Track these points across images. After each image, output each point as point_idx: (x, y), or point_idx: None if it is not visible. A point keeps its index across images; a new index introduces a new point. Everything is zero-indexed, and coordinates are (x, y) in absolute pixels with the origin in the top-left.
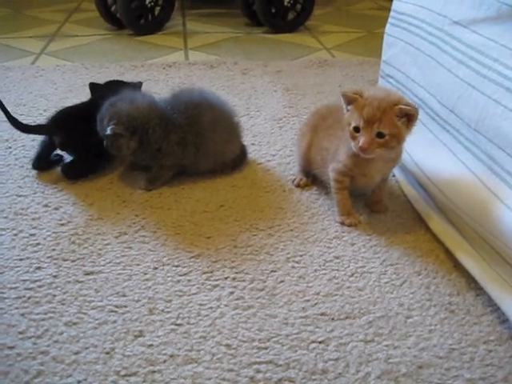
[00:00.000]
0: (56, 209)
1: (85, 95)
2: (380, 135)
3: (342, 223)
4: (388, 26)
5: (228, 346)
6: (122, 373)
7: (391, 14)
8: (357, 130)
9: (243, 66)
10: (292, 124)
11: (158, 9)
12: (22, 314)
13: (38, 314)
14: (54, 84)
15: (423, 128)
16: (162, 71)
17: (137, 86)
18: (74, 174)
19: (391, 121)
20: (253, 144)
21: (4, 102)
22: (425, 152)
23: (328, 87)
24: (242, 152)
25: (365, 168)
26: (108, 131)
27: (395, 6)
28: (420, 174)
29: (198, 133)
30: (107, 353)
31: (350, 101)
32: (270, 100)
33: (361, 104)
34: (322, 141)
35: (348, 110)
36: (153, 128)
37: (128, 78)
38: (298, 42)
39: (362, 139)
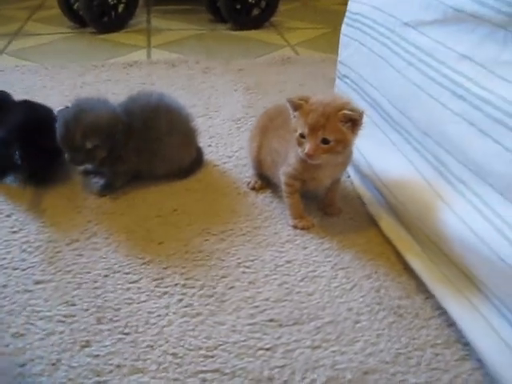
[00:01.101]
0: (8, 216)
1: (43, 97)
2: (325, 141)
3: (295, 227)
4: (343, 26)
5: (174, 354)
6: None
7: (347, 14)
8: (303, 136)
9: (205, 65)
10: (250, 124)
11: (121, 6)
12: None
13: None
14: (11, 86)
15: (376, 129)
16: (123, 71)
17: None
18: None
19: (336, 127)
20: (209, 145)
21: None
22: (377, 153)
23: (289, 85)
24: (199, 155)
25: (314, 172)
26: (87, 145)
27: (350, 6)
28: (372, 175)
29: (154, 138)
30: (53, 364)
31: (295, 107)
32: (229, 100)
33: (306, 110)
34: (271, 142)
35: (294, 117)
36: (118, 134)
37: (88, 78)
38: (263, 38)
39: (307, 146)
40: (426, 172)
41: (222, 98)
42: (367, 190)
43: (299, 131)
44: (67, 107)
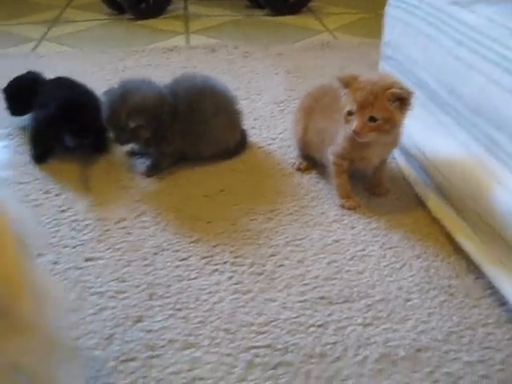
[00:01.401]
0: (57, 195)
1: (85, 81)
2: (372, 119)
3: (342, 206)
4: (387, 7)
5: (226, 330)
6: (122, 358)
7: None
8: (350, 113)
9: (244, 50)
10: (293, 107)
11: None
12: None
13: None
14: (54, 70)
15: (423, 110)
16: (163, 56)
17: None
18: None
19: (383, 105)
20: (253, 128)
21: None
22: (425, 133)
23: (329, 70)
24: (243, 137)
25: (363, 151)
26: (131, 125)
27: None
28: (420, 155)
29: (200, 120)
30: (107, 338)
31: (344, 85)
32: (270, 83)
33: (355, 88)
34: (319, 122)
35: (344, 94)
36: (162, 116)
37: (129, 63)
38: (301, 24)
39: (354, 123)
40: (476, 150)
41: (262, 81)
42: (413, 171)
43: (347, 108)
44: (112, 88)
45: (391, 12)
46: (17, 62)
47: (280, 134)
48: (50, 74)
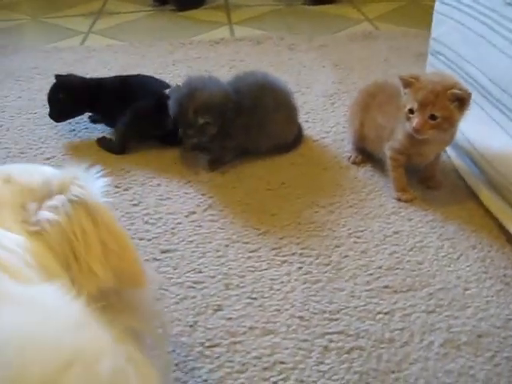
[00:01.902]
0: (126, 190)
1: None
2: (433, 117)
3: (399, 199)
4: (437, 3)
5: (301, 317)
6: (207, 344)
7: None
8: (411, 111)
9: (289, 41)
10: (343, 100)
11: None
12: None
13: None
14: (107, 64)
15: (475, 106)
16: (210, 48)
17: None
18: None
19: (444, 104)
20: (306, 121)
21: None
22: (477, 129)
23: (374, 61)
24: (299, 131)
25: (420, 148)
26: (199, 121)
27: None
28: (472, 150)
29: (261, 115)
30: (191, 326)
31: (406, 84)
32: (319, 76)
33: (416, 87)
34: (376, 118)
35: (405, 94)
36: (227, 112)
37: (178, 56)
38: (340, 13)
39: (415, 121)
40: None
41: (310, 74)
42: (465, 165)
43: (408, 106)
44: (179, 86)
45: (440, 8)
46: (68, 56)
47: (333, 127)
48: (103, 69)
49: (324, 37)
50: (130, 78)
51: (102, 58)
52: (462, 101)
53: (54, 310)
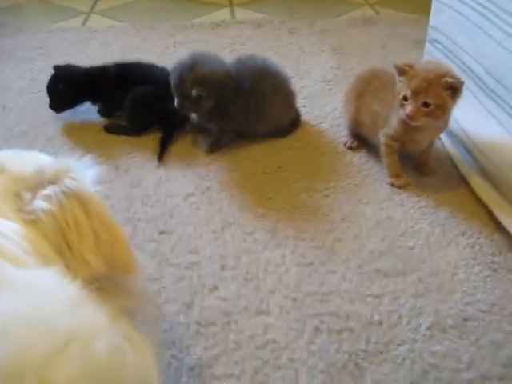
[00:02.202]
0: (125, 171)
1: (139, 57)
2: (426, 105)
3: (392, 185)
4: None
5: (294, 299)
6: (202, 323)
7: None
8: (405, 99)
9: (290, 25)
10: (341, 86)
11: None
12: None
13: None
14: (108, 46)
15: (470, 95)
16: (211, 32)
17: None
18: None
19: (437, 92)
20: (304, 106)
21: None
22: (471, 118)
23: (373, 47)
24: (297, 116)
25: (414, 134)
26: (193, 93)
27: None
28: (466, 139)
29: (259, 99)
30: (187, 305)
31: (401, 72)
32: (317, 61)
33: (410, 75)
34: (371, 105)
35: (400, 81)
36: (227, 91)
37: (179, 39)
38: None
39: (408, 107)
40: None
41: (310, 59)
42: (459, 153)
43: (402, 94)
44: (183, 60)
45: None
46: (70, 36)
47: (330, 112)
48: (104, 50)
49: (325, 21)
50: (129, 65)
51: (103, 39)
52: (454, 89)
53: (51, 293)
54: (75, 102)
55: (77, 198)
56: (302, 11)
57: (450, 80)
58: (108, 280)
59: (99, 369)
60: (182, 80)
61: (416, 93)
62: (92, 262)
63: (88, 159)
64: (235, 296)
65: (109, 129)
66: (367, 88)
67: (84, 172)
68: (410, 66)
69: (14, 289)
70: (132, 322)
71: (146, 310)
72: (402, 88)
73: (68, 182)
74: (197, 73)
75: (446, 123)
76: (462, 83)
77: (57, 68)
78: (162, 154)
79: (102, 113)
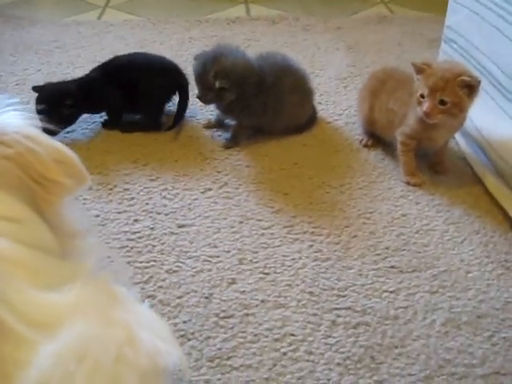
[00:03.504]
0: (144, 165)
1: (155, 51)
2: (442, 102)
3: (408, 183)
4: None
5: (311, 293)
6: (221, 315)
7: None
8: (422, 96)
9: (305, 22)
10: (356, 84)
11: None
12: (128, 262)
13: (141, 262)
14: (124, 40)
15: (485, 95)
16: (227, 27)
17: None
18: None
19: (453, 90)
20: (319, 103)
21: (80, 59)
22: (486, 118)
23: (388, 45)
24: (313, 113)
25: (431, 132)
26: (216, 84)
27: None
28: (480, 138)
29: (279, 96)
30: (206, 297)
31: (418, 71)
32: (333, 58)
33: (428, 74)
34: (387, 103)
35: (417, 80)
36: (250, 85)
37: (194, 34)
38: None
39: (425, 105)
40: None
41: (325, 56)
42: (473, 152)
43: (420, 92)
44: (206, 51)
45: None
46: (85, 30)
47: (345, 110)
48: (119, 44)
49: (339, 19)
50: (114, 63)
51: (119, 33)
52: (471, 87)
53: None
54: (76, 117)
55: (24, 134)
56: (316, 8)
57: (466, 79)
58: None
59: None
60: (205, 71)
61: (433, 90)
62: (64, 181)
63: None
64: (253, 289)
65: (126, 129)
66: (382, 87)
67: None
68: (428, 65)
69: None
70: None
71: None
72: (420, 86)
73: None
74: (220, 65)
75: (462, 122)
76: (478, 82)
77: (41, 88)
78: (174, 124)
79: (109, 122)
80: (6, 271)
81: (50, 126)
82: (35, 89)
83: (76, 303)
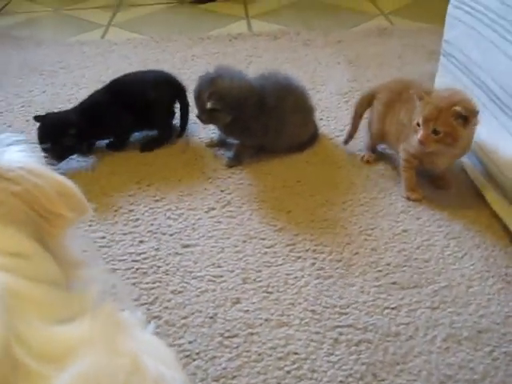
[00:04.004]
0: (148, 185)
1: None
2: (436, 132)
3: (408, 198)
4: (450, 7)
5: (313, 311)
6: (226, 335)
7: None
8: (418, 125)
9: (305, 37)
10: (357, 99)
11: None
12: (134, 284)
13: (147, 283)
14: (128, 59)
15: (484, 109)
16: (229, 43)
17: None
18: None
19: (446, 120)
20: (321, 119)
21: (84, 79)
22: (485, 131)
23: (388, 58)
24: (315, 131)
25: (431, 157)
26: (208, 105)
27: None
28: (481, 153)
29: (280, 116)
30: (211, 317)
31: (419, 98)
32: (334, 73)
33: (425, 102)
34: (400, 115)
35: (418, 106)
36: (249, 107)
37: (197, 51)
38: (355, 6)
39: (419, 133)
40: None
41: (326, 71)
42: (474, 166)
43: (416, 120)
44: (208, 72)
45: (453, 12)
46: (89, 50)
47: (347, 125)
48: (123, 63)
49: (340, 32)
50: (116, 84)
51: (122, 52)
52: (466, 118)
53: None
54: (80, 146)
55: (21, 168)
56: (316, 22)
57: (458, 109)
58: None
59: None
60: (201, 91)
61: (427, 120)
62: (66, 214)
63: (7, 136)
64: (257, 308)
65: (146, 148)
66: (397, 98)
67: (8, 148)
68: (428, 93)
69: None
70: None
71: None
72: (417, 114)
73: (6, 157)
74: (215, 86)
75: (464, 149)
76: (474, 112)
77: (44, 117)
78: (182, 130)
79: (114, 144)
80: (17, 307)
81: (53, 160)
82: (37, 119)
83: (85, 335)
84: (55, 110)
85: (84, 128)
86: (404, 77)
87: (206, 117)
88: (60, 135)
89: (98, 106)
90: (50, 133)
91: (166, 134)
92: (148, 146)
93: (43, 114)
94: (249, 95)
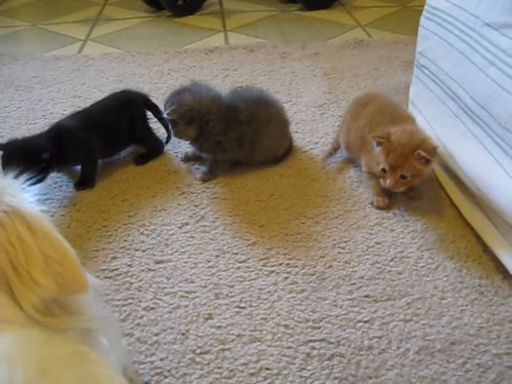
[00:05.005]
0: (123, 201)
1: (134, 84)
2: (403, 177)
3: (372, 203)
4: (422, 18)
5: (286, 326)
6: (198, 351)
7: (426, 7)
8: (384, 170)
9: (282, 50)
10: (332, 111)
11: None
12: (106, 301)
13: (119, 300)
14: (104, 74)
15: (456, 120)
16: (205, 57)
17: None
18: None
19: (412, 165)
20: (296, 132)
21: (60, 94)
22: (457, 143)
23: (364, 70)
24: (290, 143)
25: None
26: (165, 115)
27: (429, 0)
28: (453, 164)
29: (255, 130)
30: (183, 334)
31: (378, 143)
32: (310, 85)
33: (387, 148)
34: (361, 128)
35: (378, 151)
36: (213, 121)
37: (173, 65)
38: (333, 19)
39: (387, 181)
40: (505, 164)
41: (302, 83)
42: (447, 177)
43: (381, 166)
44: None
45: (425, 24)
46: (66, 65)
47: (322, 138)
48: (100, 77)
49: (317, 44)
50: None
51: (99, 66)
52: (428, 158)
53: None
54: (48, 173)
55: (19, 215)
56: (294, 34)
57: (422, 154)
58: (56, 304)
59: None
60: (165, 105)
61: (393, 167)
62: (42, 282)
63: (22, 180)
64: (229, 324)
65: (140, 162)
66: (362, 110)
67: (21, 192)
68: (387, 138)
69: None
70: (90, 343)
71: (102, 328)
72: (381, 160)
73: (7, 199)
74: (176, 98)
75: (427, 175)
76: (434, 152)
77: (5, 146)
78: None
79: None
80: None
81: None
82: (10, 143)
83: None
84: (30, 126)
85: (54, 153)
86: (374, 92)
87: (176, 131)
88: (33, 160)
89: (70, 129)
90: (20, 160)
91: (156, 144)
92: (141, 159)
93: (5, 140)
94: (211, 110)
